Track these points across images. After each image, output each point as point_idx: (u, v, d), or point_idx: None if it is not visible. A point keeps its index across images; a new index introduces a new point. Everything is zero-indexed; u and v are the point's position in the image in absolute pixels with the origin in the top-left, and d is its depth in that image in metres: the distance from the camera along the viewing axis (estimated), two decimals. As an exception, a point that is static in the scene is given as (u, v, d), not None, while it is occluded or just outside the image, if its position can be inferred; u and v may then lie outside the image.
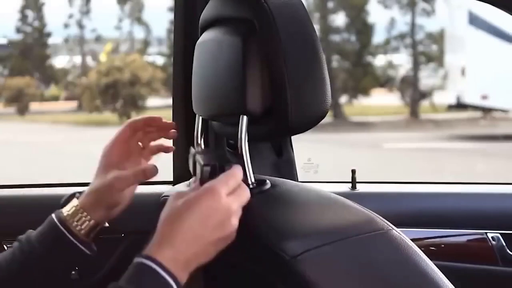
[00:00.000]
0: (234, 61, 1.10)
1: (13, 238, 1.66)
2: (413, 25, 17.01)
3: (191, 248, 0.99)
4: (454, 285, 1.03)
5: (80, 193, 1.25)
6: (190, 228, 0.99)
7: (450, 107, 13.83)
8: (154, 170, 1.22)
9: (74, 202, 1.23)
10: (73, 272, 1.43)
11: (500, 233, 1.73)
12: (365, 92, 16.86)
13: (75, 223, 1.21)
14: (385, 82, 17.77)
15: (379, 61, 17.59)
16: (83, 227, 1.21)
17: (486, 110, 13.57)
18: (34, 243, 1.20)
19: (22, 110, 17.09)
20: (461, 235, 1.76)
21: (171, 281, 0.97)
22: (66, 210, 1.22)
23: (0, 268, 1.20)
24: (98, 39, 19.70)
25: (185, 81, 1.66)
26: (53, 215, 1.22)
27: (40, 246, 1.20)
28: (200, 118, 1.28)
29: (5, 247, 1.65)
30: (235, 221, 1.02)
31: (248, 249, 1.08)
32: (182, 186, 1.35)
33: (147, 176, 1.21)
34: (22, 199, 1.74)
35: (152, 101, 16.63)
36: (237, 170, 1.06)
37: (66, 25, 19.15)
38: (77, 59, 19.69)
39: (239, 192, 1.04)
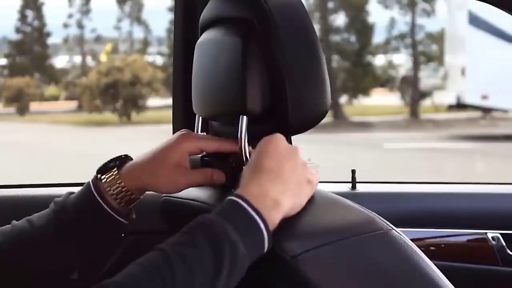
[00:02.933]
0: (234, 61, 1.10)
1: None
2: (413, 25, 17.03)
3: (276, 186, 1.03)
4: (454, 285, 1.03)
5: (124, 158, 1.18)
6: (270, 169, 1.04)
7: (450, 107, 13.84)
8: (222, 177, 1.16)
9: (113, 172, 1.15)
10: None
11: (500, 233, 1.73)
12: (365, 92, 16.89)
13: (112, 192, 1.15)
14: (385, 82, 17.80)
15: (379, 61, 17.61)
16: (119, 197, 1.15)
17: (486, 110, 13.58)
18: (69, 210, 1.15)
19: (22, 110, 17.11)
20: (461, 235, 1.76)
21: (256, 215, 1.00)
22: (105, 177, 1.16)
23: (36, 230, 1.15)
24: (98, 39, 19.71)
25: (185, 81, 1.66)
26: (91, 182, 1.16)
27: (76, 214, 1.14)
28: (200, 118, 1.28)
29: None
30: (305, 169, 1.08)
31: (248, 249, 1.08)
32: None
33: (214, 180, 1.16)
34: (22, 199, 1.74)
35: (152, 101, 16.65)
36: None
37: (65, 25, 19.17)
38: (77, 59, 19.70)
39: None
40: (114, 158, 1.18)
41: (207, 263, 0.95)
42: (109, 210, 1.15)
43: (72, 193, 1.18)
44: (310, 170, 1.10)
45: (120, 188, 1.15)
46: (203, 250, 0.96)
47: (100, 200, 1.14)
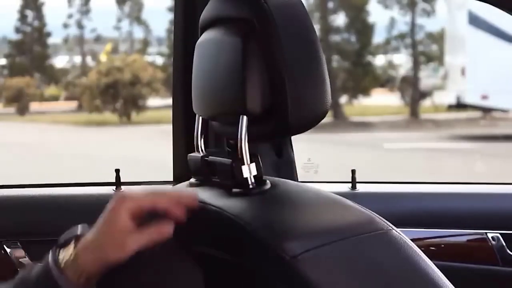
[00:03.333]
0: (234, 61, 1.10)
1: (13, 238, 1.67)
2: (413, 25, 17.02)
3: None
4: (454, 285, 1.03)
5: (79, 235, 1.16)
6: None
7: (450, 107, 13.84)
8: (171, 230, 1.11)
9: (71, 249, 1.14)
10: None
11: (500, 233, 1.73)
12: (365, 92, 16.87)
13: (73, 271, 1.13)
14: (385, 82, 17.79)
15: (379, 61, 17.60)
16: (81, 275, 1.12)
17: (486, 110, 13.58)
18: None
19: (22, 110, 17.10)
20: (461, 235, 1.76)
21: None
22: (63, 257, 1.14)
23: None
24: (98, 39, 19.70)
25: (185, 81, 1.67)
26: (51, 262, 1.14)
27: None
28: (200, 118, 1.28)
29: (5, 247, 1.65)
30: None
31: (248, 249, 1.08)
32: (182, 186, 1.35)
33: (166, 232, 1.11)
34: (22, 199, 1.74)
35: (152, 101, 16.65)
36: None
37: (65, 25, 19.15)
38: (77, 59, 19.70)
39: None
40: (70, 231, 1.16)
41: None
42: None
43: (36, 264, 1.16)
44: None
45: (79, 269, 1.12)
46: None
47: (62, 283, 1.12)
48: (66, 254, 1.14)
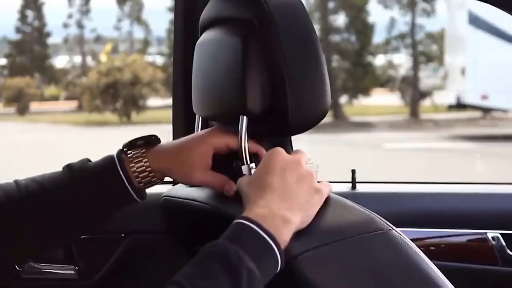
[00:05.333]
0: (234, 61, 1.10)
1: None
2: (413, 25, 17.03)
3: (283, 204, 1.02)
4: (454, 285, 1.03)
5: (153, 139, 1.17)
6: (275, 186, 1.03)
7: (450, 107, 13.85)
8: (233, 190, 1.14)
9: (142, 150, 1.15)
10: (72, 272, 1.42)
11: (500, 233, 1.73)
12: (365, 92, 16.89)
13: (135, 169, 1.14)
14: (385, 82, 17.80)
15: (379, 61, 17.62)
16: (140, 176, 1.14)
17: (486, 110, 13.58)
18: (88, 175, 1.13)
19: (22, 110, 17.12)
20: (461, 235, 1.75)
21: (268, 238, 0.98)
22: (131, 153, 1.15)
23: (49, 191, 1.13)
24: (98, 39, 19.71)
25: (185, 81, 1.66)
26: (115, 156, 1.14)
27: (94, 181, 1.13)
28: (200, 118, 1.28)
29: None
30: (312, 179, 1.08)
31: (248, 249, 1.08)
32: (182, 186, 1.35)
33: (225, 190, 1.15)
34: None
35: (152, 101, 16.66)
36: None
37: (65, 25, 19.17)
38: (77, 59, 19.71)
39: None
40: (142, 136, 1.17)
41: None
42: (129, 188, 1.13)
43: (89, 160, 1.16)
44: (316, 179, 1.09)
45: (144, 167, 1.14)
46: (221, 281, 0.93)
47: (123, 176, 1.13)
48: (134, 152, 1.15)
